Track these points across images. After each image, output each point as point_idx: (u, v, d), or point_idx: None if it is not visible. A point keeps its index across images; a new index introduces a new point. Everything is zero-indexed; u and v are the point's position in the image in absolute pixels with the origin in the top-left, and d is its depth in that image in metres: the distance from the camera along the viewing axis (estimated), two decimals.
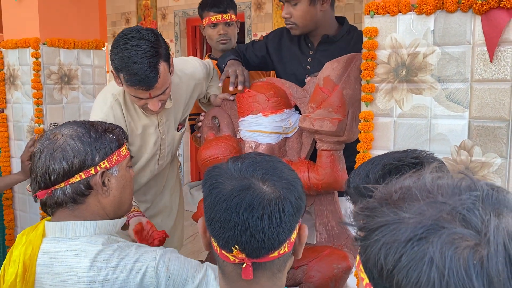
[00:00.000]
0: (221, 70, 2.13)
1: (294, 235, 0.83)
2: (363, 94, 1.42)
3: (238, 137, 1.95)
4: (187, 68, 2.01)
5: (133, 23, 5.26)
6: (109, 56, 1.62)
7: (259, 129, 1.85)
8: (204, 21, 2.38)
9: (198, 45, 4.98)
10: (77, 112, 2.35)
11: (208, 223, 0.84)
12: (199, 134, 2.11)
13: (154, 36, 1.61)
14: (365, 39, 1.39)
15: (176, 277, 1.11)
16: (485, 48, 1.23)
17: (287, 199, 0.80)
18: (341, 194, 1.84)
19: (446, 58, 1.29)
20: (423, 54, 1.31)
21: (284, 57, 2.16)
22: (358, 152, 1.45)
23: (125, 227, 1.55)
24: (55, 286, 1.09)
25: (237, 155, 1.95)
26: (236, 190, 0.80)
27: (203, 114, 2.13)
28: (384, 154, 1.06)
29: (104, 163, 1.16)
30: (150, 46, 1.57)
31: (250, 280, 0.82)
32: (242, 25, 4.54)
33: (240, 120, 1.92)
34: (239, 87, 1.92)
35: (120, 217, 1.25)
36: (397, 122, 1.38)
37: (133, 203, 1.61)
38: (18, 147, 2.34)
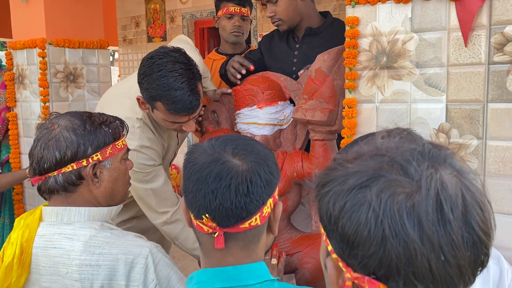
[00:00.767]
0: (224, 78, 2.23)
1: (266, 209, 0.89)
2: (346, 81, 1.49)
3: (235, 130, 2.04)
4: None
5: (143, 26, 5.40)
6: (140, 84, 1.59)
7: (254, 121, 1.92)
8: (220, 11, 2.47)
9: (206, 46, 5.09)
10: (82, 109, 2.45)
11: (184, 196, 0.91)
12: (199, 128, 2.20)
13: (184, 56, 1.62)
14: (347, 28, 1.46)
15: (162, 282, 1.15)
16: (460, 33, 1.29)
17: (255, 172, 0.87)
18: None
19: (424, 44, 1.35)
20: (402, 41, 1.38)
21: (274, 55, 2.27)
22: (343, 137, 1.51)
23: None
24: (49, 267, 1.16)
25: None
26: (206, 162, 0.88)
27: (203, 108, 2.23)
28: (369, 134, 1.13)
29: (96, 155, 1.20)
30: (186, 68, 1.58)
31: (223, 250, 0.88)
32: None
33: (236, 113, 2.00)
34: (243, 71, 2.04)
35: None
36: (379, 107, 1.45)
37: None
38: (27, 144, 2.47)
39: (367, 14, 1.43)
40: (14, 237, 1.19)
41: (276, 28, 2.17)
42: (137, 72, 1.72)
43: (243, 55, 2.36)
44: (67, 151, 1.17)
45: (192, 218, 0.91)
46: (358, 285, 0.57)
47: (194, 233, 0.94)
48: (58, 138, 1.17)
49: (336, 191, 0.59)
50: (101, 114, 1.28)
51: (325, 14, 2.16)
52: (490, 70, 1.27)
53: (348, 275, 0.58)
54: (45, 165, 1.17)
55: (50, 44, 2.29)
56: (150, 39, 5.36)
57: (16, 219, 1.26)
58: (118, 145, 1.26)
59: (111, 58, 12.96)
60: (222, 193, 0.85)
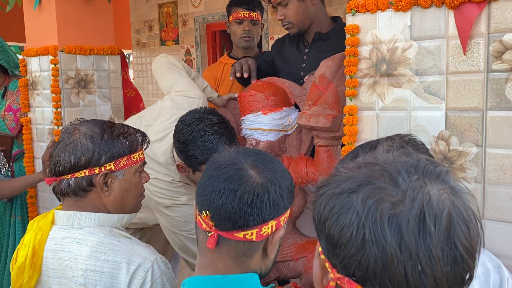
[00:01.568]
0: (239, 81, 2.26)
1: (266, 229, 0.90)
2: (347, 89, 1.51)
3: (241, 135, 2.07)
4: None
5: (156, 30, 5.48)
6: (182, 152, 1.62)
7: (259, 127, 1.95)
8: (231, 17, 2.51)
9: (218, 49, 5.14)
10: (93, 115, 2.52)
11: (197, 188, 0.96)
12: None
13: (217, 115, 1.67)
14: (347, 36, 1.48)
15: None
16: (459, 41, 1.30)
17: (265, 187, 0.90)
18: None
19: (423, 52, 1.36)
20: (402, 49, 1.39)
21: (285, 59, 2.29)
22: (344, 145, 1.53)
23: None
24: (58, 270, 1.20)
25: None
26: (225, 163, 0.93)
27: None
28: (370, 141, 1.16)
29: (109, 165, 1.23)
30: (224, 127, 1.64)
31: (215, 253, 0.92)
32: None
33: (241, 119, 2.04)
34: (238, 74, 2.10)
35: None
36: (379, 115, 1.46)
37: None
38: (40, 148, 2.54)
39: (367, 22, 1.45)
40: (28, 239, 1.24)
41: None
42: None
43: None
44: (82, 157, 1.21)
45: (196, 211, 0.95)
46: (340, 286, 0.60)
47: (195, 228, 0.98)
48: (75, 143, 1.22)
49: (328, 194, 0.63)
50: (124, 126, 1.31)
51: (335, 19, 2.17)
52: (489, 78, 1.27)
53: (331, 275, 0.61)
54: (60, 168, 1.22)
55: (62, 51, 2.36)
56: (163, 43, 5.44)
57: (30, 222, 1.30)
58: (134, 158, 1.28)
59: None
60: (227, 195, 0.88)
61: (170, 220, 1.82)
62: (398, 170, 0.60)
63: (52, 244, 1.22)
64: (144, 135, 1.35)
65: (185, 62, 5.19)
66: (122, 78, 2.66)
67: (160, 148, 1.80)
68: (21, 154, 2.61)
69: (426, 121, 1.38)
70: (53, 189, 1.28)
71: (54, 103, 2.36)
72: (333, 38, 2.06)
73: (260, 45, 4.87)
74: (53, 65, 2.34)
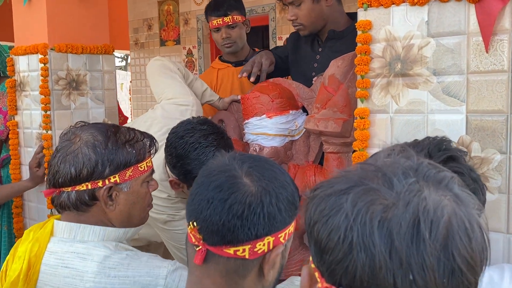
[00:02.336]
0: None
1: (261, 246, 0.87)
2: (358, 90, 1.49)
3: (244, 140, 2.06)
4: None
5: (156, 29, 5.51)
6: (175, 168, 1.61)
7: (263, 131, 1.95)
8: (210, 25, 2.53)
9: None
10: (85, 118, 2.53)
11: (188, 197, 0.95)
12: None
13: (212, 125, 1.66)
14: (358, 32, 1.47)
15: None
16: (481, 38, 1.29)
17: (259, 198, 0.87)
18: None
19: (441, 50, 1.35)
20: (418, 47, 1.38)
21: (298, 57, 2.28)
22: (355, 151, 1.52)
23: None
24: None
25: None
26: (217, 170, 0.91)
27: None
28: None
29: (114, 177, 1.20)
30: (219, 138, 1.62)
31: (203, 269, 0.90)
32: (266, 28, 4.68)
33: (244, 122, 2.03)
34: (251, 79, 2.08)
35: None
36: (393, 118, 1.45)
37: None
38: (28, 154, 2.55)
39: (380, 17, 1.44)
40: (22, 250, 1.20)
41: None
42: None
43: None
44: (84, 169, 1.18)
45: (186, 224, 0.94)
46: None
47: (185, 243, 0.96)
48: (76, 154, 1.19)
49: (320, 196, 0.62)
50: (130, 130, 1.28)
51: (354, 16, 2.15)
52: None
53: (319, 285, 0.60)
54: (60, 179, 1.20)
55: (52, 49, 2.37)
56: (163, 43, 5.47)
57: (25, 231, 1.27)
58: (141, 167, 1.26)
59: (124, 62, 13.20)
60: (215, 205, 0.86)
61: (172, 235, 1.82)
62: (395, 172, 0.60)
63: (51, 258, 1.19)
64: (152, 139, 1.32)
65: (186, 63, 5.20)
66: None
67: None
68: (10, 159, 2.62)
69: (444, 125, 1.36)
70: (52, 201, 1.26)
71: (43, 105, 2.37)
72: (349, 37, 2.03)
73: (267, 46, 4.88)
74: (42, 65, 2.35)
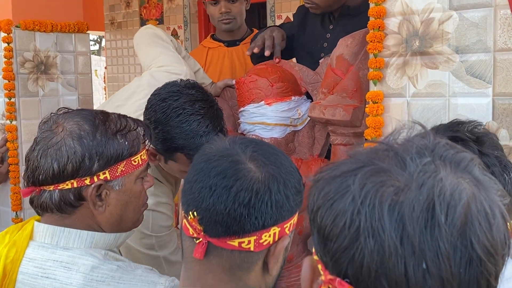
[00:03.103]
0: (252, 60, 2.27)
1: (267, 237, 0.91)
2: (370, 70, 1.52)
3: (239, 131, 2.09)
4: None
5: (135, 6, 5.51)
6: (154, 135, 1.59)
7: (262, 120, 1.97)
8: None
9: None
10: (56, 107, 2.51)
11: (183, 185, 0.97)
12: None
13: (201, 90, 1.66)
14: (371, 5, 1.50)
15: None
16: (509, 11, 1.32)
17: (266, 185, 0.90)
18: None
19: (465, 25, 1.38)
20: (438, 21, 1.41)
21: (305, 34, 2.30)
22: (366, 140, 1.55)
23: None
24: None
25: None
26: (218, 155, 0.94)
27: None
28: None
29: (104, 173, 1.19)
30: (208, 107, 1.62)
31: (203, 264, 0.93)
32: (263, 6, 4.69)
33: (240, 110, 2.05)
34: (256, 50, 2.07)
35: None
36: (410, 103, 1.48)
37: None
38: None
39: None
40: None
41: None
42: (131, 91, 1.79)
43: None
44: (68, 164, 1.17)
45: (182, 214, 0.96)
46: None
47: (180, 236, 0.99)
48: (59, 146, 1.17)
49: (325, 179, 0.64)
50: (120, 117, 1.27)
51: None
52: None
53: (322, 277, 0.62)
54: (40, 177, 1.18)
55: (17, 27, 2.39)
56: (143, 22, 5.46)
57: (0, 233, 1.25)
58: (135, 161, 1.26)
59: (97, 46, 13.19)
60: (219, 192, 0.89)
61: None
62: (408, 151, 0.61)
63: (30, 266, 1.18)
64: (146, 127, 1.31)
65: None
66: None
67: None
68: None
69: (468, 110, 1.40)
70: (31, 201, 1.24)
71: (7, 91, 2.38)
72: (366, 14, 2.06)
73: (264, 26, 4.90)
74: (5, 44, 2.36)
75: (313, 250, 0.67)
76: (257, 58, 2.19)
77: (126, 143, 1.23)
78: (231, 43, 2.61)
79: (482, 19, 1.36)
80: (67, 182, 1.18)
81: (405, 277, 0.55)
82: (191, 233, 0.92)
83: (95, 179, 1.19)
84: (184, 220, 0.94)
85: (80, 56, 2.64)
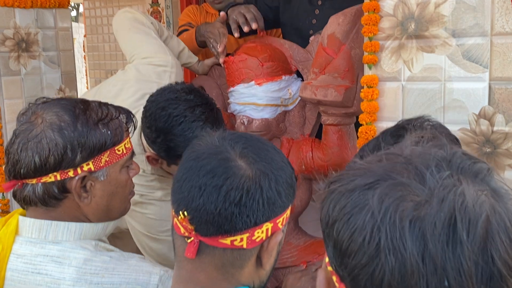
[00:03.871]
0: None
1: (259, 234, 0.91)
2: (365, 54, 1.51)
3: (229, 111, 2.07)
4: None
5: None
6: (154, 143, 1.61)
7: (252, 101, 1.95)
8: None
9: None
10: (39, 85, 2.49)
11: (172, 183, 0.96)
12: None
13: (200, 94, 1.64)
14: None
15: None
16: None
17: (257, 182, 0.90)
18: None
19: (462, 8, 1.37)
20: (435, 4, 1.39)
21: (291, 8, 2.25)
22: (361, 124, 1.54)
23: None
24: None
25: None
26: (207, 152, 0.93)
27: None
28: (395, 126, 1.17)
29: (88, 164, 1.18)
30: (208, 111, 1.61)
31: (195, 263, 0.93)
32: None
33: (229, 90, 2.03)
34: (245, 29, 2.03)
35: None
36: (406, 87, 1.47)
37: None
38: None
39: None
40: None
41: None
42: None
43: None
44: (50, 156, 1.14)
45: (173, 213, 0.95)
46: None
47: (171, 234, 0.99)
48: (40, 138, 1.15)
49: (340, 191, 0.64)
50: (101, 106, 1.25)
51: None
52: None
53: None
54: (22, 170, 1.16)
55: None
56: None
57: None
58: (119, 150, 1.24)
59: (74, 13, 12.89)
60: (209, 192, 0.88)
61: (143, 220, 1.83)
62: (427, 164, 0.61)
63: (19, 262, 1.16)
64: (129, 114, 1.29)
65: (151, 14, 5.10)
66: None
67: None
68: None
69: (464, 94, 1.39)
70: (14, 195, 1.22)
71: None
72: None
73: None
74: None
75: (326, 260, 0.67)
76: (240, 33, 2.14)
77: (109, 132, 1.21)
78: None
79: (479, 2, 1.35)
80: (49, 175, 1.16)
81: None
82: (182, 232, 0.92)
83: (79, 170, 1.17)
84: (175, 219, 0.94)
85: (61, 32, 2.57)
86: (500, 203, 0.59)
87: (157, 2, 5.25)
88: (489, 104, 1.37)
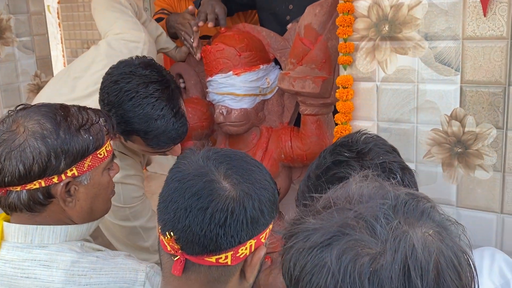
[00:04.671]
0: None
1: (243, 250, 0.95)
2: (340, 55, 1.53)
3: (208, 99, 2.08)
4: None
5: None
6: (109, 117, 1.55)
7: (230, 91, 1.97)
8: None
9: None
10: (14, 72, 2.47)
11: (158, 203, 0.99)
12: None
13: (156, 69, 1.61)
14: None
15: None
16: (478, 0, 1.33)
17: (241, 204, 0.93)
18: None
19: (434, 11, 1.38)
20: (408, 6, 1.41)
21: None
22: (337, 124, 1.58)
23: None
24: None
25: (208, 122, 2.10)
26: (192, 174, 0.95)
27: None
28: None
29: (71, 170, 1.20)
30: (163, 88, 1.58)
31: (182, 280, 0.97)
32: None
33: (207, 80, 2.04)
34: (210, 24, 2.02)
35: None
36: (380, 87, 1.50)
37: None
38: None
39: None
40: None
41: None
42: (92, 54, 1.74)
43: None
44: (34, 165, 1.16)
45: (159, 231, 0.99)
46: None
47: (159, 251, 1.02)
48: (23, 148, 1.16)
49: (298, 249, 0.68)
50: (81, 111, 1.26)
51: None
52: None
53: None
54: (6, 179, 1.17)
55: None
56: None
57: None
58: (101, 154, 1.26)
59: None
60: (194, 214, 0.92)
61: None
62: (375, 215, 0.66)
63: (7, 267, 1.19)
64: (108, 117, 1.31)
65: None
66: None
67: (89, 106, 1.80)
68: None
69: (437, 96, 1.43)
70: None
71: None
72: None
73: None
74: None
75: None
76: None
77: (91, 137, 1.23)
78: None
79: (451, 6, 1.36)
80: (34, 182, 1.18)
81: None
82: (169, 249, 0.96)
83: (63, 176, 1.19)
84: (161, 237, 0.97)
85: (34, 16, 2.54)
86: (446, 239, 0.64)
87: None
88: (460, 106, 1.41)
